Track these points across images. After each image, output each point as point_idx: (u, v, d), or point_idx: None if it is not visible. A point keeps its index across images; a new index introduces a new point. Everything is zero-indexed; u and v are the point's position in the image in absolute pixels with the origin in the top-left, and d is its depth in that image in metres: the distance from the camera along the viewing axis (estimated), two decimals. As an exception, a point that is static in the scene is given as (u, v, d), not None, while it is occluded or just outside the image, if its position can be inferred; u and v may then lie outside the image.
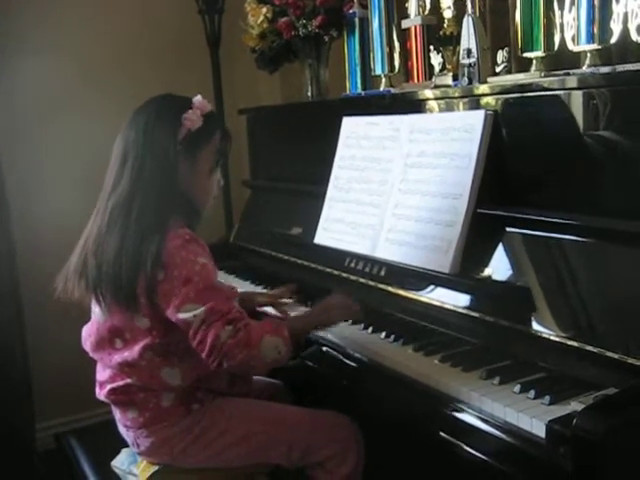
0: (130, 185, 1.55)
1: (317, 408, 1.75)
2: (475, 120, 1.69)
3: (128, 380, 1.59)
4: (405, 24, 2.17)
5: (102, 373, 1.67)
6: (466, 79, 1.83)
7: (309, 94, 2.62)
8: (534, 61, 1.74)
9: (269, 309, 1.97)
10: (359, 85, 2.41)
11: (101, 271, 1.54)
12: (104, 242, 1.55)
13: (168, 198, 1.56)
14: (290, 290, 2.03)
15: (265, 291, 2.15)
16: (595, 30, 1.57)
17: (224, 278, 2.29)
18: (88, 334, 1.67)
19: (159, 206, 1.54)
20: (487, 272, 1.62)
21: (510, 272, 1.58)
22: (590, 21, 1.57)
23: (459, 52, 1.88)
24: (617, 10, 1.55)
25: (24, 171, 2.85)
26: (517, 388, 1.34)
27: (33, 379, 2.85)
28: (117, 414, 1.68)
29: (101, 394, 1.66)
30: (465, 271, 1.65)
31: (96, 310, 1.63)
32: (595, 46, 1.58)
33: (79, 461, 1.93)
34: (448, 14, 2.03)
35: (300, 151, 2.51)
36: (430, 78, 2.08)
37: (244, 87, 3.26)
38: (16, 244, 2.78)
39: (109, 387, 1.63)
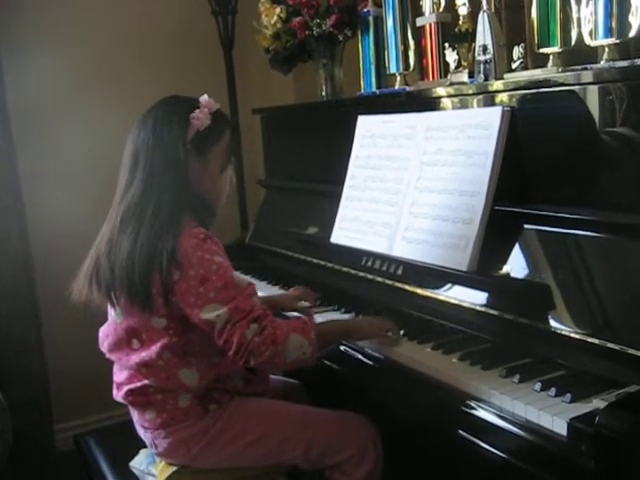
0: (142, 186, 1.55)
1: (335, 408, 1.74)
2: (492, 117, 1.68)
3: (145, 381, 1.59)
4: (420, 22, 2.16)
5: (119, 374, 1.67)
6: (482, 76, 1.82)
7: (323, 94, 2.61)
8: (551, 57, 1.72)
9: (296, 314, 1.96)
10: (374, 84, 2.40)
11: (114, 273, 1.53)
12: (117, 244, 1.54)
13: (181, 198, 1.55)
14: (311, 295, 2.03)
15: (284, 292, 2.14)
16: (613, 24, 1.55)
17: (240, 279, 2.29)
18: (105, 335, 1.67)
19: (172, 206, 1.54)
20: (505, 269, 1.61)
21: (528, 269, 1.57)
22: (608, 15, 1.55)
23: (474, 49, 1.87)
24: (635, 3, 1.52)
25: (38, 168, 2.86)
26: (537, 386, 1.33)
27: (51, 381, 2.87)
28: (135, 415, 1.68)
29: (118, 395, 1.66)
30: (483, 269, 1.64)
31: (112, 312, 1.64)
32: (613, 40, 1.56)
33: (98, 462, 1.93)
34: (463, 11, 2.01)
35: (315, 151, 2.51)
36: (445, 76, 2.07)
37: (258, 87, 3.27)
38: (31, 244, 2.79)
39: (126, 388, 1.63)
